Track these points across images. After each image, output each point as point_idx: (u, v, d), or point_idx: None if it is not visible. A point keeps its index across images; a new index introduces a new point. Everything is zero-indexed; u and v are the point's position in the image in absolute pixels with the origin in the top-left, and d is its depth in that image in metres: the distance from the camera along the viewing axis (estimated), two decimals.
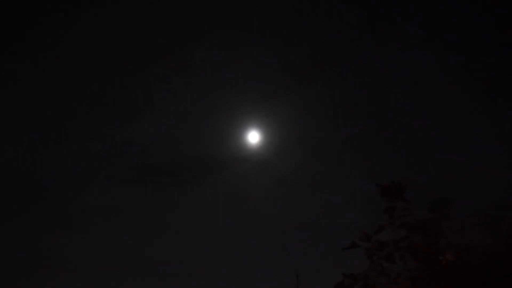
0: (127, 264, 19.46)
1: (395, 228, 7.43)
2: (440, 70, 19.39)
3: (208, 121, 20.36)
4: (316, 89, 20.27)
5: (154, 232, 20.18)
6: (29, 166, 20.75)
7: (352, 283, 7.49)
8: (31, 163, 20.77)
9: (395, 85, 19.84)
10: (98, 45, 20.52)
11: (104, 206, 20.69)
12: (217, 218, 20.45)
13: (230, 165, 20.03)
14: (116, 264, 19.44)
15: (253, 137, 18.79)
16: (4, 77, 20.61)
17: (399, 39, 19.69)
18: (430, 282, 7.23)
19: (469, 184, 7.88)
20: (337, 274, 7.79)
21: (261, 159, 19.11)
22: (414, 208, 7.42)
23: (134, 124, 20.99)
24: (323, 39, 20.30)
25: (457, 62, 18.96)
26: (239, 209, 20.48)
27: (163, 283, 18.83)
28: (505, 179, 7.44)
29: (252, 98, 19.98)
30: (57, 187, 21.22)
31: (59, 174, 21.16)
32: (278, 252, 19.33)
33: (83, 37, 20.34)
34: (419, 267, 7.33)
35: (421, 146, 18.66)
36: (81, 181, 20.98)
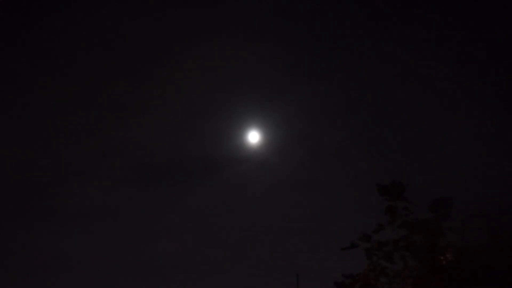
0: (126, 264, 19.44)
1: (395, 227, 7.41)
2: (441, 70, 19.36)
3: (207, 121, 20.30)
4: (316, 89, 20.22)
5: (154, 232, 20.15)
6: (28, 166, 20.72)
7: (352, 283, 7.47)
8: (29, 163, 20.74)
9: (395, 85, 19.80)
10: (97, 45, 20.47)
11: (103, 206, 20.66)
12: (216, 218, 20.42)
13: (229, 165, 19.98)
14: (116, 264, 19.41)
15: (253, 137, 18.75)
16: (3, 77, 20.59)
17: (400, 39, 19.65)
18: (430, 281, 7.20)
19: (469, 183, 7.85)
20: (337, 274, 7.77)
21: (261, 159, 19.07)
22: (415, 208, 7.40)
23: (133, 124, 20.94)
24: (323, 38, 20.25)
25: (458, 62, 18.93)
26: (238, 209, 20.44)
27: (163, 283, 18.81)
28: (506, 179, 7.41)
29: (252, 98, 19.93)
30: (56, 187, 21.17)
31: (57, 174, 21.11)
32: (278, 252, 19.29)
33: (82, 37, 20.30)
34: (419, 267, 7.31)
35: (422, 145, 18.63)
36: (80, 181, 20.93)
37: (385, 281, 7.40)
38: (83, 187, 20.69)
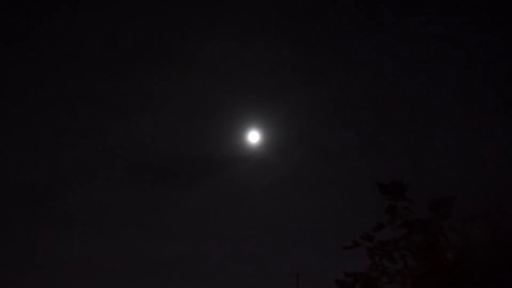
0: (127, 264, 19.45)
1: (396, 227, 7.42)
2: (442, 71, 19.38)
3: (208, 121, 20.32)
4: (317, 89, 20.24)
5: (154, 232, 20.15)
6: (28, 166, 20.71)
7: (353, 282, 7.47)
8: (30, 163, 20.73)
9: (396, 85, 19.82)
10: (97, 45, 20.50)
11: (104, 206, 20.66)
12: (216, 218, 20.43)
13: (230, 165, 20.00)
14: (116, 264, 19.42)
15: (253, 137, 18.76)
16: (3, 76, 20.60)
17: (400, 40, 19.67)
18: (431, 280, 7.21)
19: (469, 183, 7.86)
20: (337, 274, 7.77)
21: (261, 159, 19.08)
22: (415, 207, 7.40)
23: (134, 124, 20.95)
24: (323, 38, 20.27)
25: (459, 62, 18.95)
26: (238, 209, 20.43)
27: (163, 283, 18.81)
28: (506, 178, 7.42)
29: (252, 98, 19.94)
30: (56, 187, 21.18)
31: (58, 174, 21.13)
32: (278, 252, 19.29)
33: (82, 37, 20.33)
34: (419, 266, 7.32)
35: (422, 146, 18.63)
36: (80, 181, 20.93)
37: (386, 280, 7.40)
38: (83, 187, 20.68)
